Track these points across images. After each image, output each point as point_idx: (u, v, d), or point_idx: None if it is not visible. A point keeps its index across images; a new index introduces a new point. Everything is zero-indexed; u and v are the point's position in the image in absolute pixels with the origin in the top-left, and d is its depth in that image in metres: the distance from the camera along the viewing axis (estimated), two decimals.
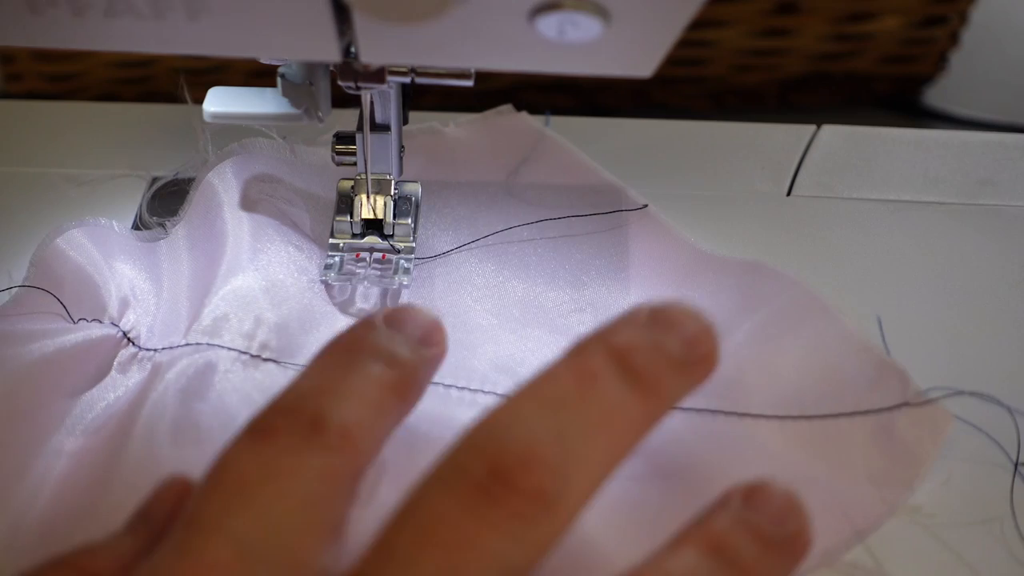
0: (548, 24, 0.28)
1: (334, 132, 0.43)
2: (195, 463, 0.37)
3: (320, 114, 0.40)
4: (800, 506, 0.28)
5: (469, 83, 0.37)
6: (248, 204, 0.45)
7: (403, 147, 0.43)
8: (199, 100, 0.42)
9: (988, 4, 0.58)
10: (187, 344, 0.41)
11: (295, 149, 0.48)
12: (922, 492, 0.37)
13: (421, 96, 0.54)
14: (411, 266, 0.44)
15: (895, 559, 0.35)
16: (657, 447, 0.38)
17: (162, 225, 0.45)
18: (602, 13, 0.28)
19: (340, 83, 0.38)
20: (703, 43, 0.57)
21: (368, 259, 0.44)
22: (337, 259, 0.44)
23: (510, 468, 0.26)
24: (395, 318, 0.33)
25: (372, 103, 0.41)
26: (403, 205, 0.45)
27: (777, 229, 0.48)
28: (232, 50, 0.32)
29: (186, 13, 0.30)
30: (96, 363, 0.40)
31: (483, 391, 0.40)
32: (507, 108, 0.52)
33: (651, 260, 0.45)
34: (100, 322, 0.41)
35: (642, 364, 0.28)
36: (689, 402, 0.39)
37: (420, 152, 0.49)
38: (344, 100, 0.41)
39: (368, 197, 0.44)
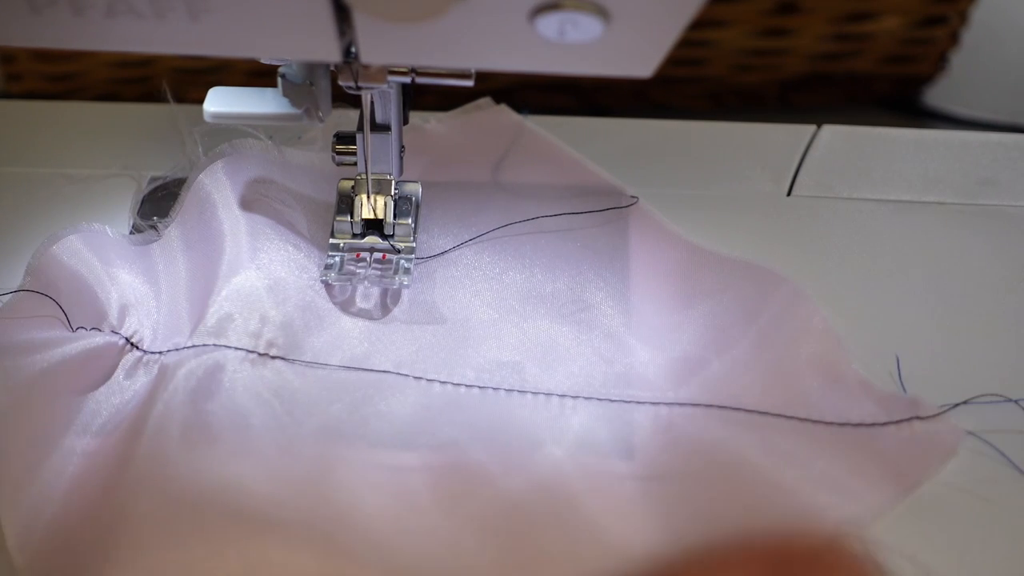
0: (548, 24, 0.28)
1: (334, 132, 0.43)
2: (206, 463, 0.37)
3: (320, 114, 0.40)
4: None
5: (469, 83, 0.37)
6: (243, 204, 0.45)
7: (403, 147, 0.43)
8: (198, 100, 0.42)
9: (988, 4, 0.58)
10: (193, 346, 0.41)
11: (282, 150, 0.48)
12: (922, 493, 0.37)
13: (421, 96, 0.54)
14: (411, 266, 0.44)
15: (895, 559, 0.35)
16: (668, 448, 0.38)
17: (154, 227, 0.45)
18: (602, 13, 0.28)
19: (340, 83, 0.37)
20: (703, 43, 0.57)
21: (368, 259, 0.44)
22: (337, 259, 0.44)
23: None
24: None
25: (372, 103, 0.41)
26: (403, 205, 0.45)
27: (777, 229, 0.48)
28: (232, 50, 0.32)
29: (186, 13, 0.30)
30: (101, 371, 0.40)
31: (492, 388, 0.40)
32: (486, 101, 0.52)
33: (647, 253, 0.46)
34: (99, 330, 0.41)
35: None
36: (694, 399, 0.40)
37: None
38: (344, 100, 0.42)
39: (368, 197, 0.44)
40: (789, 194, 0.50)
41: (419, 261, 0.45)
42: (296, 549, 0.34)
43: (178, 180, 0.47)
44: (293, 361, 0.41)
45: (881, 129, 0.53)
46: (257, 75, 0.57)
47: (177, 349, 0.41)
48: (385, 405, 0.40)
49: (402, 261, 0.44)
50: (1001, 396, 0.40)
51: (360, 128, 0.41)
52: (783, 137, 0.52)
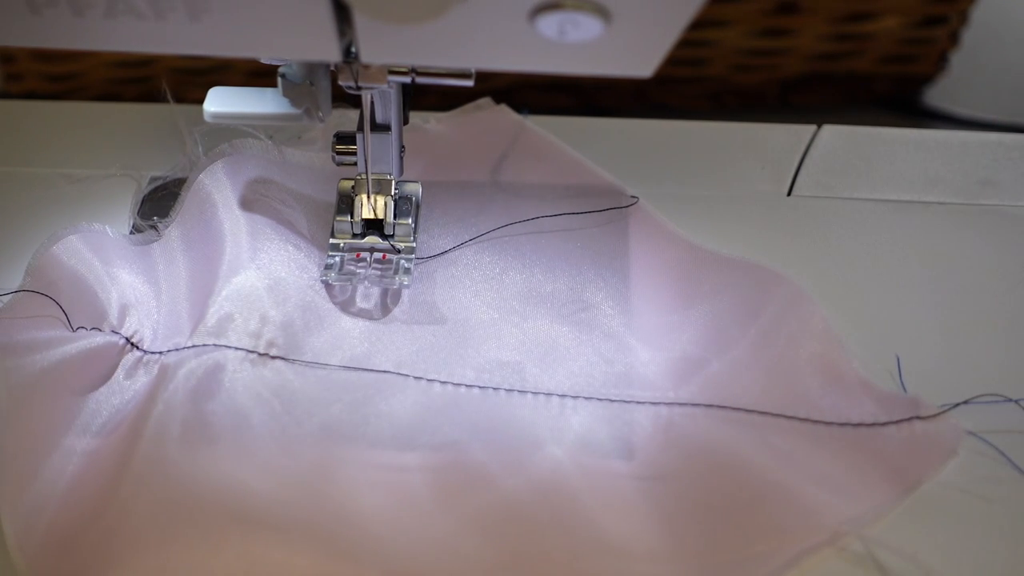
0: (548, 24, 0.28)
1: (334, 132, 0.43)
2: (206, 463, 0.37)
3: (320, 114, 0.40)
4: None
5: (469, 83, 0.37)
6: (243, 204, 0.45)
7: (403, 147, 0.43)
8: (198, 100, 0.42)
9: (988, 4, 0.58)
10: (193, 346, 0.41)
11: (282, 150, 0.48)
12: (922, 493, 0.37)
13: (421, 96, 0.54)
14: (411, 266, 0.44)
15: (895, 559, 0.35)
16: (667, 448, 0.38)
17: (154, 227, 0.45)
18: (602, 13, 0.28)
19: (340, 83, 0.37)
20: (703, 43, 0.57)
21: (368, 259, 0.44)
22: (337, 259, 0.44)
23: None
24: None
25: (372, 103, 0.41)
26: (403, 205, 0.45)
27: (777, 229, 0.48)
28: (232, 50, 0.31)
29: (186, 13, 0.30)
30: (101, 371, 0.40)
31: (492, 388, 0.40)
32: (486, 101, 0.52)
33: (647, 253, 0.46)
34: (100, 330, 0.41)
35: None
36: (695, 399, 0.40)
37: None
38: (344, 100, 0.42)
39: (368, 197, 0.44)
40: (789, 194, 0.50)
41: (419, 261, 0.45)
42: (296, 549, 0.34)
43: (178, 180, 0.47)
44: (293, 361, 0.41)
45: (881, 129, 0.53)
46: (257, 75, 0.57)
47: (177, 349, 0.41)
48: (385, 405, 0.40)
49: (402, 261, 0.44)
50: (1001, 396, 0.40)
51: (360, 128, 0.41)
52: (783, 137, 0.52)
